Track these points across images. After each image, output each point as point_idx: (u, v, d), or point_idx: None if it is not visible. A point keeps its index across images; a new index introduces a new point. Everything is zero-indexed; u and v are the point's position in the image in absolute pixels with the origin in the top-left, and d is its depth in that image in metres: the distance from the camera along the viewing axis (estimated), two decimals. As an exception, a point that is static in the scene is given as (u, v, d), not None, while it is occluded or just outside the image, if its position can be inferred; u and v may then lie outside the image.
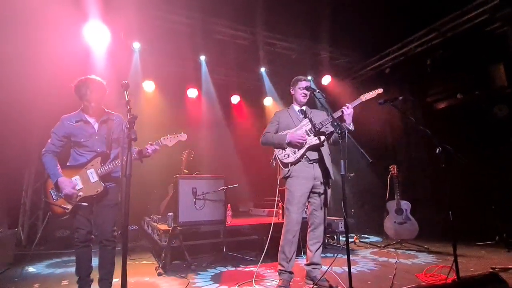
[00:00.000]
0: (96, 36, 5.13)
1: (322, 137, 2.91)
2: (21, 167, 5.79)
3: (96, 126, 2.61)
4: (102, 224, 2.53)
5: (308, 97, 3.10)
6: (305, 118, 3.03)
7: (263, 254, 3.07)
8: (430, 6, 5.21)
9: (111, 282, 2.53)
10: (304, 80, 3.12)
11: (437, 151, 2.59)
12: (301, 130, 2.97)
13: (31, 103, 5.64)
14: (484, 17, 4.93)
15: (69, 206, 2.44)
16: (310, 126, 2.95)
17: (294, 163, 2.89)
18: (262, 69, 7.19)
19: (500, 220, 4.67)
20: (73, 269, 3.64)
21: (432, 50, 5.78)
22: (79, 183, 2.48)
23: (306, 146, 2.88)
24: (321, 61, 7.00)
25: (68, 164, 2.57)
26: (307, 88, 3.04)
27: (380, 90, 2.93)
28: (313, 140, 2.90)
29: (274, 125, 3.13)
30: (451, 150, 2.56)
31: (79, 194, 2.44)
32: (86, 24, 4.98)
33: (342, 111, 2.81)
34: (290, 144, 2.91)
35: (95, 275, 2.57)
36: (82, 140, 2.53)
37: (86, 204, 2.46)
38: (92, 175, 2.48)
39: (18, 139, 5.46)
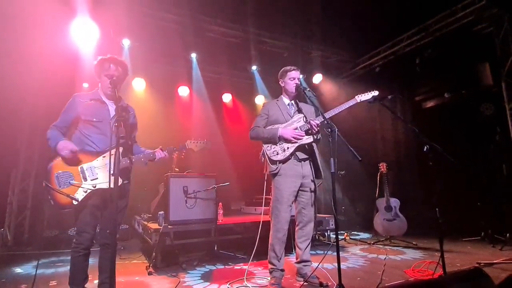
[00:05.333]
0: (85, 32, 5.04)
1: (314, 136, 2.89)
2: (8, 166, 5.67)
3: (112, 109, 2.33)
4: (108, 226, 2.21)
5: (298, 89, 2.98)
6: (299, 113, 2.99)
7: (253, 252, 3.06)
8: (420, 6, 5.28)
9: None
10: (294, 70, 3.04)
11: (424, 149, 2.63)
12: (292, 126, 2.91)
13: (18, 101, 5.53)
14: (472, 18, 5.03)
15: (79, 197, 2.12)
16: (302, 123, 2.91)
17: (283, 161, 2.83)
18: (254, 68, 7.19)
19: (485, 216, 4.79)
20: (61, 269, 3.61)
21: (421, 50, 5.87)
22: (94, 172, 2.20)
23: (296, 145, 2.85)
24: (312, 59, 7.04)
25: (80, 148, 2.21)
26: (297, 78, 3.01)
27: (375, 93, 2.90)
28: (304, 139, 2.86)
29: (264, 118, 3.04)
30: (438, 148, 2.61)
31: (92, 185, 2.16)
32: (74, 20, 4.89)
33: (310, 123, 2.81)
34: (282, 139, 2.85)
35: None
36: (94, 119, 2.23)
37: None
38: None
39: (5, 138, 5.35)
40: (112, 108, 2.34)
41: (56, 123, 2.29)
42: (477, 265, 3.31)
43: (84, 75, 5.53)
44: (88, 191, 2.16)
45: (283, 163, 2.84)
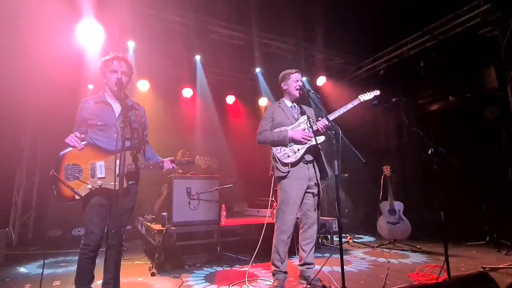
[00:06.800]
0: (90, 34, 5.08)
1: (322, 138, 2.87)
2: (13, 165, 5.72)
3: (117, 110, 2.31)
4: (114, 227, 2.18)
5: (301, 91, 2.99)
6: (302, 115, 3.00)
7: (255, 254, 3.04)
8: (424, 9, 5.27)
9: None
10: (296, 72, 3.05)
11: (429, 152, 2.62)
12: (299, 128, 2.91)
13: (23, 101, 5.59)
14: (476, 21, 5.01)
15: (82, 193, 2.09)
16: (308, 125, 2.91)
17: (294, 163, 2.83)
18: (257, 70, 7.20)
19: (490, 220, 4.75)
20: (65, 269, 3.62)
21: (425, 53, 5.85)
22: (102, 171, 2.17)
23: (306, 146, 2.84)
24: (316, 62, 7.05)
25: (93, 144, 2.23)
26: (300, 80, 3.01)
27: (377, 92, 2.96)
28: (313, 140, 2.85)
29: (269, 121, 3.02)
30: (443, 151, 2.60)
31: (97, 183, 2.14)
32: (80, 22, 4.93)
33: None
34: (292, 141, 2.84)
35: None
36: (99, 122, 2.24)
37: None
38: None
39: (9, 137, 5.40)
40: (117, 108, 2.32)
41: (75, 130, 2.32)
42: (482, 269, 3.28)
43: (89, 77, 5.58)
44: (93, 188, 2.13)
45: (293, 166, 2.83)
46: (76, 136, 2.17)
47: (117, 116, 2.30)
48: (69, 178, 2.11)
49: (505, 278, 2.97)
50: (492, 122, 5.04)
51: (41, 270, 3.67)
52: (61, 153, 2.17)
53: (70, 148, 2.18)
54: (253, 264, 3.22)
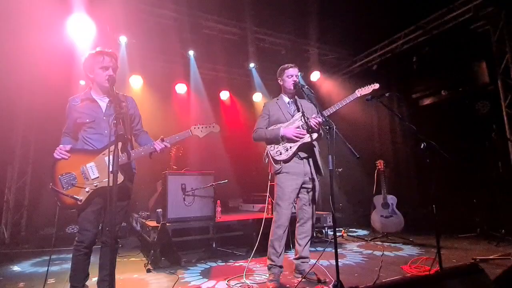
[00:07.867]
0: (81, 29, 4.99)
1: (315, 135, 2.85)
2: (4, 164, 5.64)
3: (103, 105, 2.30)
4: (110, 224, 2.11)
5: (296, 86, 2.96)
6: (298, 111, 2.99)
7: (255, 249, 3.08)
8: (417, 4, 5.29)
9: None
10: (291, 67, 3.03)
11: (421, 147, 2.65)
12: (293, 125, 2.92)
13: (13, 99, 5.49)
14: (468, 15, 5.04)
15: (82, 197, 2.12)
16: (302, 122, 2.90)
17: (286, 160, 2.85)
18: (252, 65, 7.17)
19: (481, 213, 4.84)
20: (59, 267, 3.60)
21: (418, 47, 5.88)
22: (94, 171, 2.16)
23: (299, 143, 2.84)
24: (310, 57, 7.05)
25: (79, 147, 2.24)
26: (295, 75, 3.00)
27: (376, 86, 2.92)
28: (306, 137, 2.85)
29: (265, 119, 3.05)
30: (435, 146, 2.63)
31: (94, 184, 2.14)
32: (71, 16, 4.84)
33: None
34: (285, 138, 2.86)
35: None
36: (87, 120, 2.22)
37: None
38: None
39: (0, 135, 5.31)
40: (103, 104, 2.30)
41: (65, 129, 2.33)
42: (473, 261, 3.35)
43: (81, 73, 5.45)
44: (90, 190, 2.15)
45: (286, 163, 2.85)
46: (61, 149, 2.17)
47: (104, 111, 2.28)
48: (66, 187, 2.13)
49: (495, 269, 3.04)
50: (483, 116, 5.11)
51: (35, 269, 3.67)
52: (53, 168, 2.17)
53: (60, 160, 2.18)
54: (250, 259, 3.24)
